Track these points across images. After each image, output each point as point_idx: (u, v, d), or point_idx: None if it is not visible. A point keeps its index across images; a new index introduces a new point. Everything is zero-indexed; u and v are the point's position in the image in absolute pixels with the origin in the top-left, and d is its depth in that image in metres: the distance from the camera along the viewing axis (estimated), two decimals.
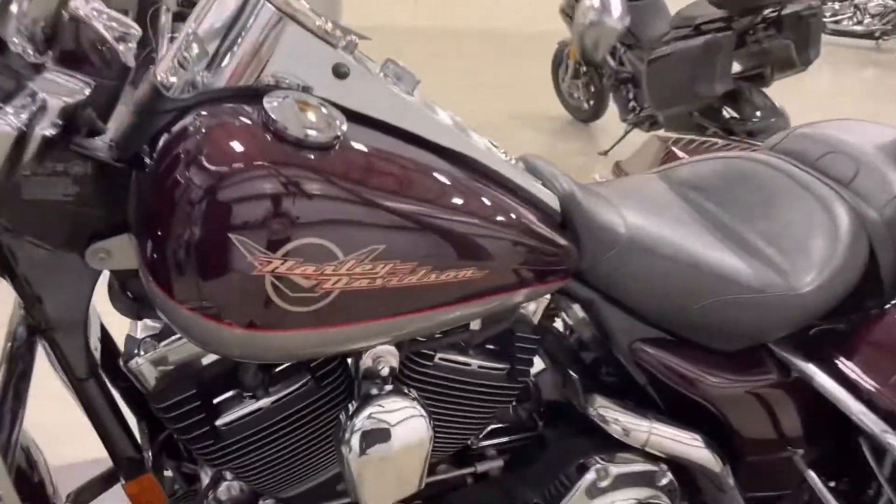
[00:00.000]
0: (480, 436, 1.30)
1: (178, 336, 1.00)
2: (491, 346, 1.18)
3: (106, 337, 1.11)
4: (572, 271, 1.12)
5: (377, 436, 1.03)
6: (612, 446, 1.25)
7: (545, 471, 1.26)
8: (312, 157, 0.84)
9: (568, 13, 4.61)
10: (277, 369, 1.06)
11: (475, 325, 1.12)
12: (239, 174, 0.81)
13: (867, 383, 1.21)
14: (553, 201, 1.11)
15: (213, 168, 0.81)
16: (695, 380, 1.23)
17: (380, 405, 1.04)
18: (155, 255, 0.84)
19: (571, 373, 1.29)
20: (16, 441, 0.93)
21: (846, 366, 1.24)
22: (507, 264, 1.01)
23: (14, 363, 0.95)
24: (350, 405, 1.04)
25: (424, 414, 1.07)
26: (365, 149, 0.89)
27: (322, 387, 1.06)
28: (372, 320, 0.92)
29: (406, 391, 1.07)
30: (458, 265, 0.94)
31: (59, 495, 1.10)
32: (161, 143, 0.85)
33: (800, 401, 1.29)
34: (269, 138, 0.83)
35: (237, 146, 0.82)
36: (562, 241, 1.09)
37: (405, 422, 1.05)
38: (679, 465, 1.30)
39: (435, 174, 0.94)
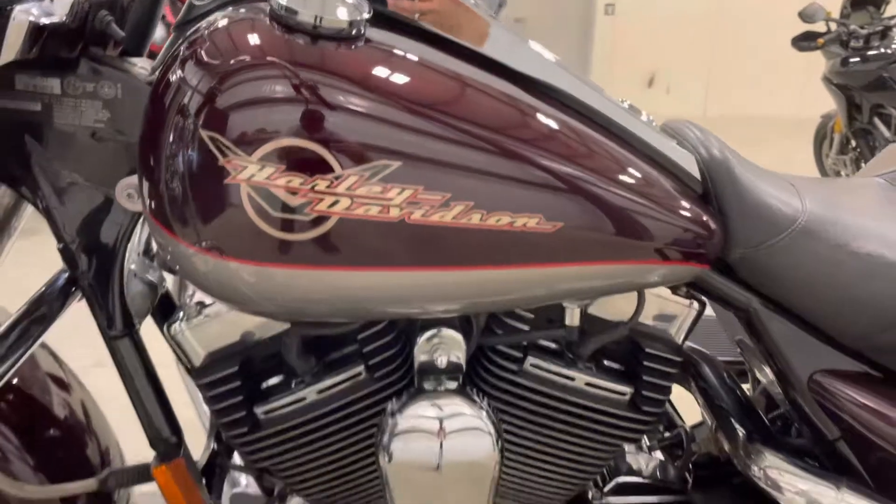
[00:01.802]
0: (605, 490, 1.00)
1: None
2: (610, 364, 0.91)
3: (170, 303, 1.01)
4: (712, 257, 0.82)
5: (420, 444, 0.80)
6: None
7: None
8: (320, 47, 0.68)
9: (832, 80, 4.08)
10: (330, 357, 0.88)
11: (572, 319, 0.85)
12: (220, 66, 0.67)
13: None
14: (689, 163, 0.84)
15: (195, 64, 0.68)
16: None
17: (433, 404, 0.81)
18: (147, 180, 0.72)
19: (733, 420, 0.96)
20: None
21: None
22: (596, 222, 0.75)
23: (38, 304, 0.88)
24: (395, 401, 0.83)
25: (492, 431, 0.82)
26: (391, 48, 0.71)
27: (376, 378, 0.86)
28: (393, 268, 0.71)
29: (473, 396, 0.84)
30: (515, 208, 0.70)
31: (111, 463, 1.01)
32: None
33: None
34: (273, 28, 0.68)
35: (228, 38, 0.69)
36: (694, 209, 0.80)
37: (461, 433, 0.81)
38: None
39: (490, 93, 0.73)
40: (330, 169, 0.66)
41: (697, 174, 0.84)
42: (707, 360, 1.02)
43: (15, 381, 1.02)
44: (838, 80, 4.05)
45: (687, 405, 1.07)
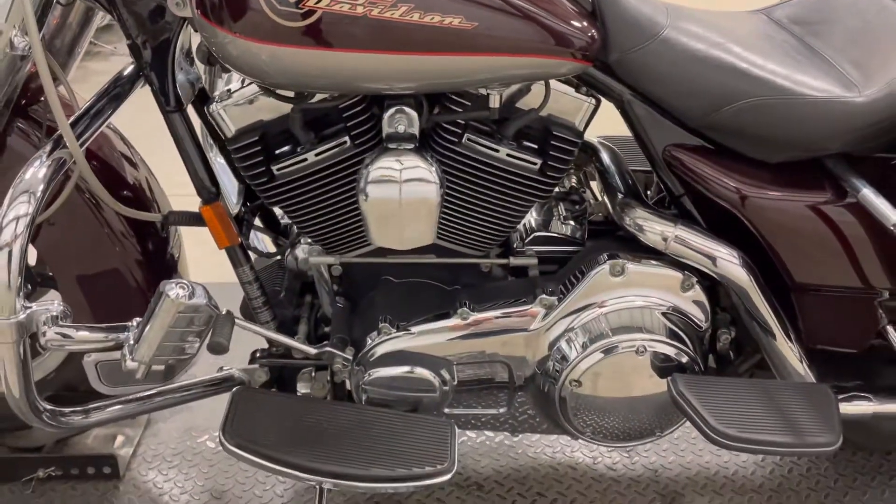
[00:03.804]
0: (527, 240, 1.37)
1: (244, 84, 1.21)
2: (526, 142, 1.25)
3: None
4: (592, 56, 1.14)
5: (386, 186, 1.16)
6: (643, 251, 1.25)
7: (569, 268, 1.30)
8: None
9: None
10: (324, 132, 1.23)
11: (494, 103, 1.18)
12: None
13: None
14: None
15: None
16: (729, 188, 1.19)
17: (394, 159, 1.17)
18: None
19: (616, 189, 1.31)
20: (91, 136, 1.20)
21: None
22: (504, 24, 1.07)
23: (113, 85, 1.23)
24: (369, 157, 1.19)
25: (436, 180, 1.17)
26: None
27: (357, 145, 1.21)
28: (361, 50, 1.05)
29: (426, 156, 1.19)
30: (443, 10, 1.04)
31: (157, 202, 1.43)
32: None
33: (867, 233, 1.17)
34: None
35: None
36: (582, 21, 1.12)
37: (414, 181, 1.16)
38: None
39: None
40: None
41: None
42: (606, 149, 1.38)
43: (99, 154, 1.40)
44: None
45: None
